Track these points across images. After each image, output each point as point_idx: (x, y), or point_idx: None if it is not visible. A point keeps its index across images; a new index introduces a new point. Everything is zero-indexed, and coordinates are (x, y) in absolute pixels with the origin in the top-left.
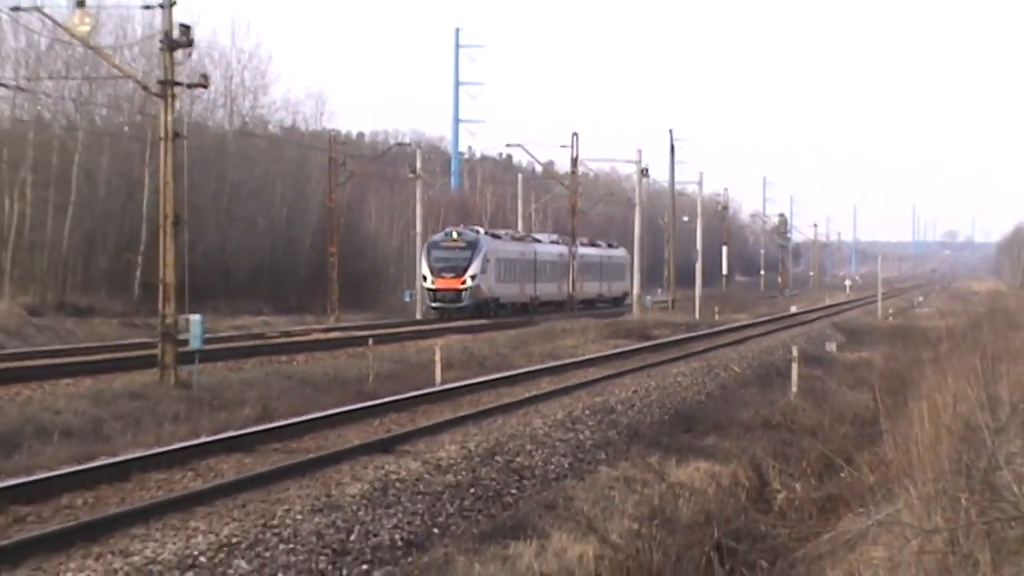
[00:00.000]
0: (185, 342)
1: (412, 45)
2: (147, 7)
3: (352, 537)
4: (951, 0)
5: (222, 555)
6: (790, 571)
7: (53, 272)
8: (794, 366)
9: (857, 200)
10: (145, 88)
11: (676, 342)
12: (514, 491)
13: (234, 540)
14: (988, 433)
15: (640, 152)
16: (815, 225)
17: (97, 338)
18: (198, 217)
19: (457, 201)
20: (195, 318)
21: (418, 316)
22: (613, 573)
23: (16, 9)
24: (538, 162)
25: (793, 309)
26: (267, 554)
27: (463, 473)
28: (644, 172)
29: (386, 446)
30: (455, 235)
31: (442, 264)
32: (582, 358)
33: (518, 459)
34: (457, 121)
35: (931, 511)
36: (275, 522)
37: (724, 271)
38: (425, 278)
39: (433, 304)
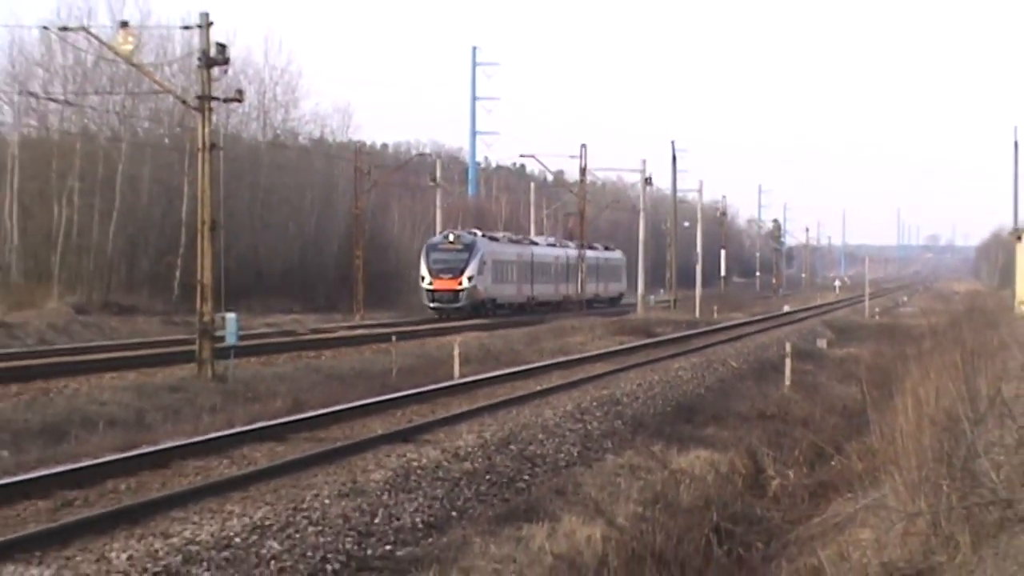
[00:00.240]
0: (221, 339)
1: (432, 62)
2: (186, 27)
3: (376, 520)
4: (931, 22)
5: (255, 536)
6: (784, 552)
7: (99, 273)
8: (787, 361)
9: (846, 206)
10: (184, 103)
11: (677, 339)
12: (527, 477)
13: (267, 522)
14: (968, 424)
15: (644, 162)
16: (807, 230)
17: (139, 335)
18: (233, 222)
19: (474, 208)
20: (230, 316)
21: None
22: (619, 553)
23: (65, 29)
24: (549, 171)
25: (786, 308)
26: (297, 535)
27: (479, 461)
28: (648, 181)
29: (408, 435)
30: (453, 238)
31: (440, 265)
32: (590, 354)
33: (530, 448)
34: (474, 133)
35: (915, 496)
36: (305, 506)
37: (722, 273)
38: (424, 279)
39: (431, 304)
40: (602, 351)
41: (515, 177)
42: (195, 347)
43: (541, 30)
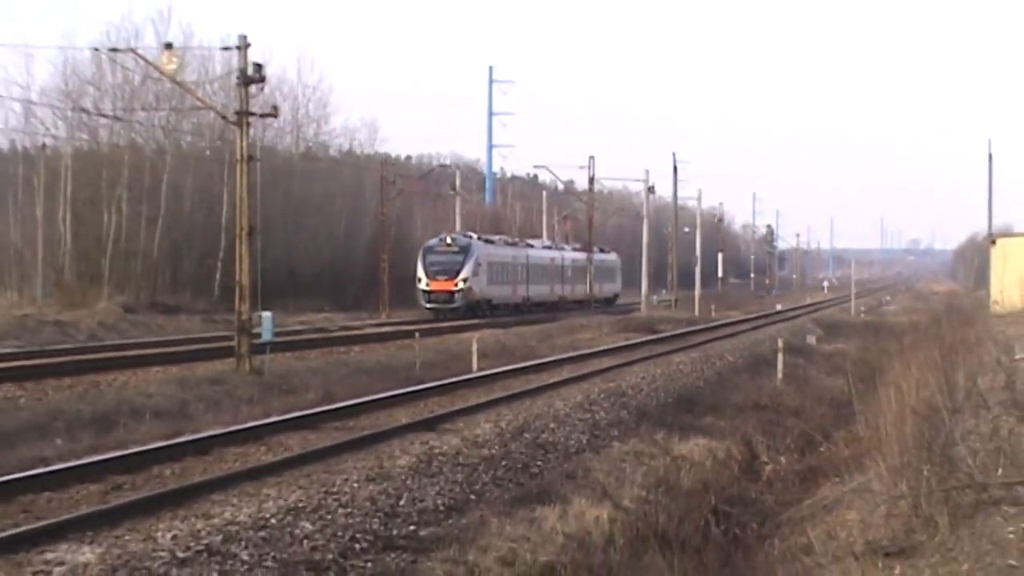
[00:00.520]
0: (258, 335)
1: (453, 80)
2: (226, 48)
3: (401, 502)
4: (910, 46)
5: (290, 518)
6: (776, 532)
7: (145, 275)
8: (779, 356)
9: (833, 213)
10: (224, 118)
11: (678, 335)
12: (540, 463)
13: (300, 505)
14: (946, 414)
15: (647, 172)
16: (798, 234)
17: (183, 332)
18: (269, 228)
19: (491, 215)
20: (266, 314)
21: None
22: (625, 533)
23: (114, 50)
24: (560, 181)
25: (778, 307)
26: (328, 517)
27: (496, 448)
28: (651, 189)
29: (430, 424)
30: (449, 240)
31: (437, 267)
32: (597, 349)
33: (543, 436)
34: (491, 146)
35: (897, 480)
36: (335, 489)
37: (719, 274)
38: (420, 280)
39: (428, 305)
40: (609, 347)
41: (529, 186)
42: (234, 343)
43: (553, 50)
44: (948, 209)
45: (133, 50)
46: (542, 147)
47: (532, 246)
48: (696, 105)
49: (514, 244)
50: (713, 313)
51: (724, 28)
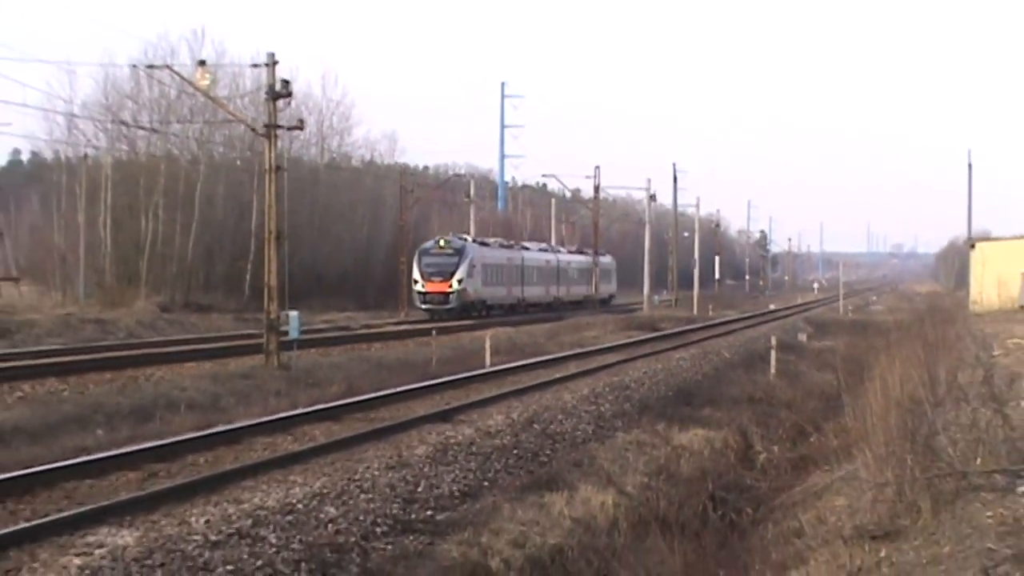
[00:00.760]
0: (285, 333)
1: (468, 95)
2: (255, 66)
3: (419, 489)
4: (893, 63)
5: (315, 503)
6: (770, 516)
7: (180, 277)
8: (773, 352)
9: (823, 218)
10: (254, 130)
11: (678, 333)
12: (548, 452)
13: (324, 491)
14: (928, 406)
15: (649, 181)
16: (789, 239)
17: (215, 330)
18: (295, 233)
19: (502, 221)
20: (293, 314)
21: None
22: (628, 517)
23: (151, 67)
24: (567, 189)
25: (772, 307)
26: (351, 502)
27: (508, 438)
28: (652, 197)
29: (446, 416)
30: (443, 243)
31: (432, 269)
32: (602, 346)
33: (551, 426)
34: (503, 156)
35: (883, 468)
36: (357, 476)
37: (717, 276)
38: (416, 281)
39: (422, 306)
40: (613, 344)
41: (538, 194)
42: (263, 340)
43: (561, 67)
44: (930, 215)
45: (169, 67)
46: (550, 157)
47: (528, 248)
48: (695, 118)
49: (509, 247)
50: (711, 312)
51: (722, 47)
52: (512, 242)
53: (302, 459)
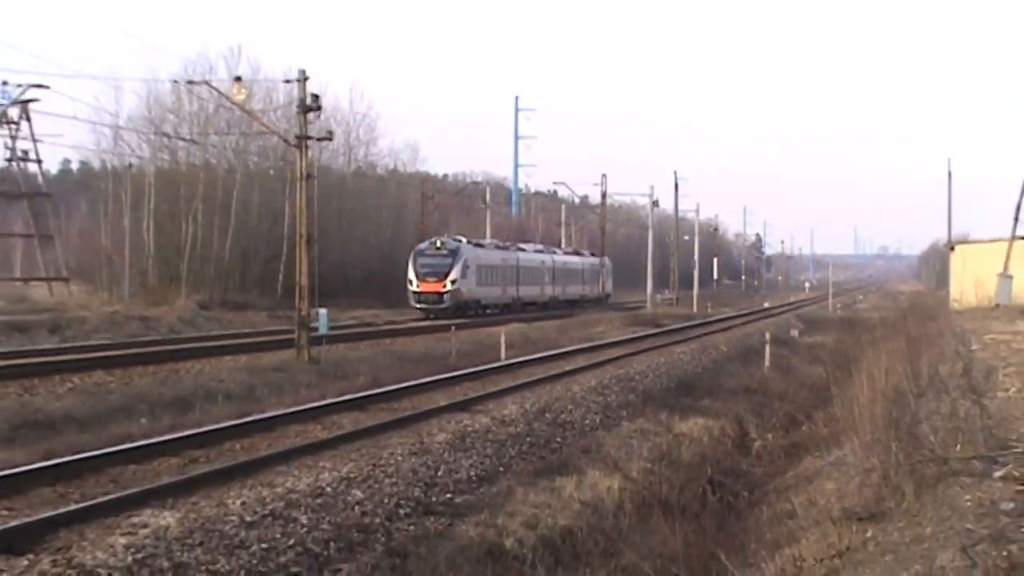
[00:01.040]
0: (315, 329)
1: (484, 108)
2: (287, 81)
3: (439, 473)
4: (877, 75)
5: (343, 486)
6: (764, 499)
7: (218, 277)
8: (767, 347)
9: (814, 222)
10: (286, 141)
11: (679, 329)
12: (559, 439)
13: (352, 475)
14: (911, 397)
15: (652, 188)
16: (782, 241)
17: (250, 326)
18: (324, 237)
19: (516, 225)
20: (322, 311)
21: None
22: (633, 500)
23: (191, 82)
24: (576, 196)
25: (766, 305)
26: (376, 485)
27: (521, 426)
28: (655, 203)
29: (464, 406)
30: (438, 244)
31: (426, 269)
32: (609, 341)
33: (562, 416)
34: (517, 165)
35: (869, 455)
36: (382, 462)
37: (715, 276)
38: (411, 282)
39: (417, 305)
40: (619, 339)
41: (550, 200)
42: (294, 336)
43: (569, 82)
44: (913, 219)
45: (208, 82)
46: (561, 166)
47: (523, 250)
48: (696, 129)
49: (505, 248)
50: (709, 310)
51: (722, 65)
52: (508, 243)
53: (331, 446)
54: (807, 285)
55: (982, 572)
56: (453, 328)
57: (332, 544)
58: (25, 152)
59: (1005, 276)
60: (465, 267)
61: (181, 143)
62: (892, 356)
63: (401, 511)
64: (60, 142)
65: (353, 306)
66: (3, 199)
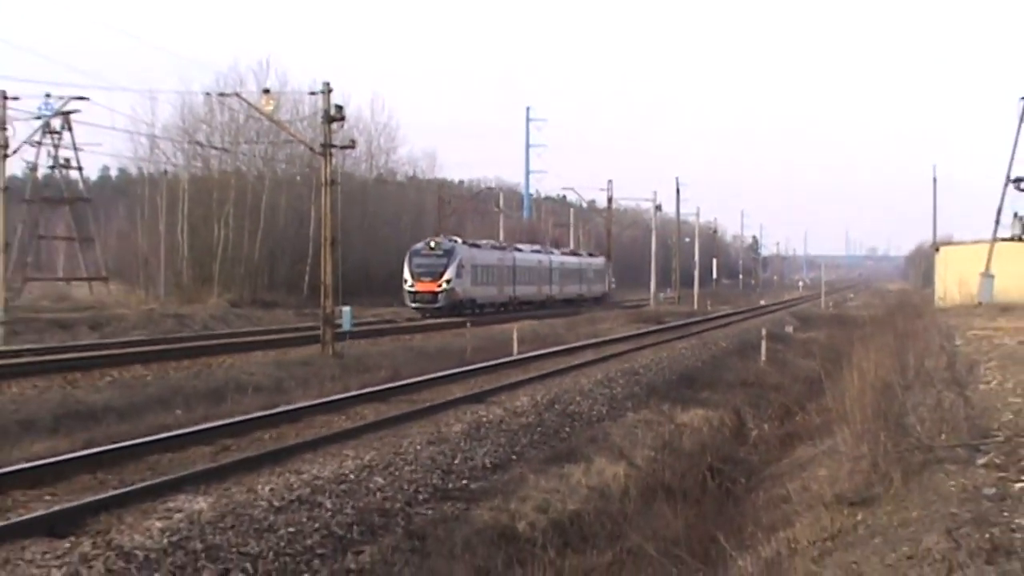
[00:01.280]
0: (339, 326)
1: (498, 118)
2: (313, 93)
3: (456, 461)
4: (859, 87)
5: (365, 473)
6: (761, 485)
7: (248, 277)
8: (763, 342)
9: (807, 224)
10: (312, 149)
11: (681, 325)
12: (568, 429)
13: (374, 463)
14: (899, 389)
15: (655, 193)
16: (777, 243)
17: (278, 323)
18: (347, 239)
19: (528, 228)
20: (346, 309)
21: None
22: (637, 486)
23: (222, 95)
24: (584, 200)
25: (762, 303)
26: (397, 472)
27: (532, 417)
28: (658, 208)
29: (479, 398)
30: (433, 244)
31: (422, 269)
32: (614, 337)
33: (571, 407)
34: (528, 171)
35: (859, 443)
36: (402, 450)
37: (714, 276)
38: (407, 282)
39: (412, 304)
40: (624, 335)
41: (559, 205)
42: (320, 332)
43: (579, 94)
44: (900, 222)
45: (238, 94)
46: (569, 172)
47: (520, 250)
48: (697, 137)
49: (502, 248)
50: (709, 308)
51: (721, 78)
52: (505, 244)
53: (354, 435)
54: (801, 284)
55: (966, 553)
56: (468, 324)
57: (355, 528)
58: (67, 160)
59: (987, 275)
60: (460, 267)
61: (213, 151)
62: (881, 351)
63: (420, 496)
64: (100, 151)
65: (375, 304)
66: (47, 204)
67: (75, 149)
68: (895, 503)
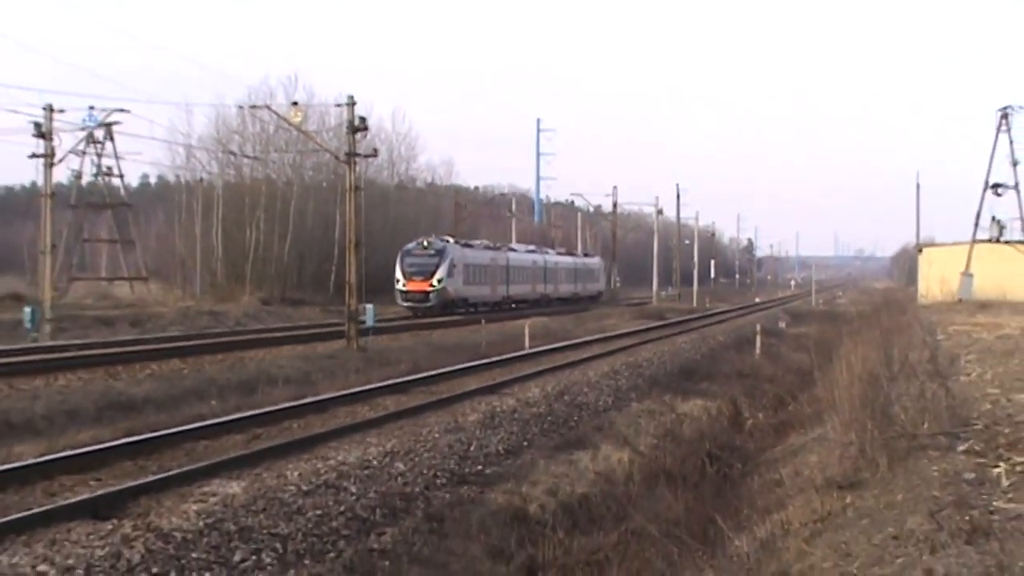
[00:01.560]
0: (362, 322)
1: (510, 129)
2: (338, 105)
3: (471, 448)
4: (845, 98)
5: (387, 460)
6: (756, 470)
7: (278, 276)
8: (758, 337)
9: (799, 227)
10: (337, 158)
11: (681, 322)
12: (576, 418)
13: (395, 450)
14: (884, 380)
15: (657, 199)
16: (771, 245)
17: (306, 320)
18: (370, 242)
19: (538, 231)
20: (369, 306)
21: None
22: (641, 471)
23: (254, 107)
24: (591, 205)
25: (757, 300)
26: (417, 459)
27: (543, 407)
28: (660, 212)
29: (493, 389)
30: (425, 244)
31: (414, 269)
32: (619, 332)
33: (579, 398)
34: (538, 178)
35: (848, 431)
36: (422, 438)
37: (712, 275)
38: (399, 281)
39: (404, 303)
40: (628, 330)
41: (567, 209)
42: (344, 328)
43: (586, 105)
44: (886, 225)
45: (268, 107)
46: (577, 179)
47: (515, 250)
48: (696, 145)
49: (496, 248)
50: (707, 305)
51: (720, 87)
52: (499, 244)
53: (377, 424)
54: (793, 283)
55: (947, 534)
56: (483, 321)
57: (378, 510)
58: (109, 168)
59: (966, 275)
60: (451, 266)
61: (245, 160)
62: (867, 345)
63: (438, 481)
64: (140, 159)
65: (396, 302)
66: (91, 209)
67: (117, 158)
68: (881, 487)
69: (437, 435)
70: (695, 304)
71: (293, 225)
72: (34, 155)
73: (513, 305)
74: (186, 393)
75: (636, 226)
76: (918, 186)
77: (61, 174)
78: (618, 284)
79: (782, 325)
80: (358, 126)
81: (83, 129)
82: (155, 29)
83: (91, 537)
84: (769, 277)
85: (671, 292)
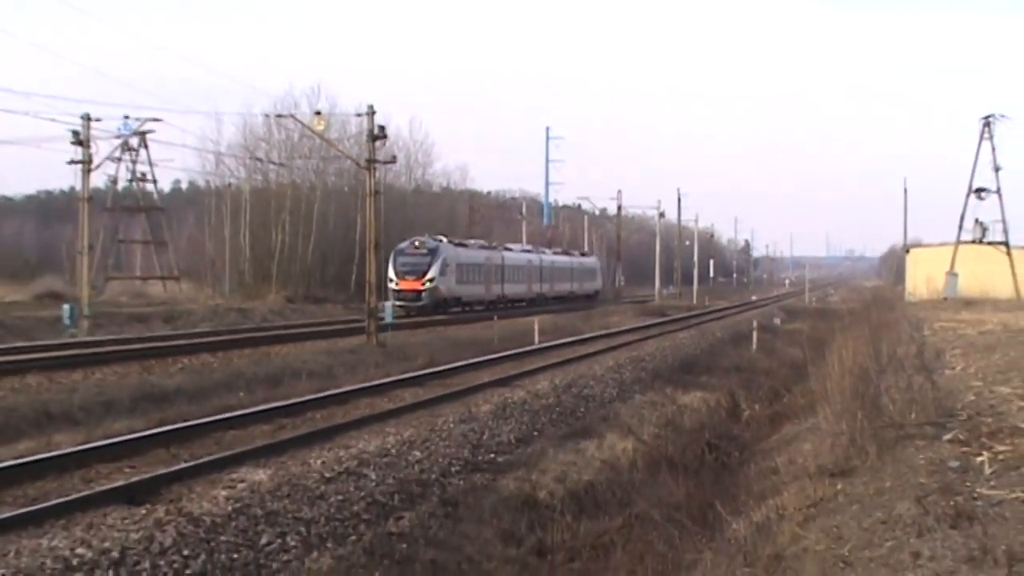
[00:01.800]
0: (381, 318)
1: (521, 136)
2: (358, 114)
3: (484, 437)
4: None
5: (405, 448)
6: (752, 458)
7: (302, 276)
8: (754, 333)
9: (793, 228)
10: (357, 164)
11: (681, 318)
12: (583, 409)
13: (412, 439)
14: (874, 374)
15: (659, 202)
16: (767, 245)
17: (328, 317)
18: (389, 243)
19: (548, 233)
20: (388, 304)
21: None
22: (644, 459)
23: (279, 116)
24: (597, 208)
25: (753, 298)
26: (432, 447)
27: (551, 398)
28: (662, 214)
29: (505, 382)
30: (418, 243)
31: (406, 268)
32: (623, 328)
33: (585, 390)
34: (547, 183)
35: (839, 421)
36: (438, 428)
37: (711, 274)
38: (391, 280)
39: (397, 302)
40: (632, 326)
41: (575, 212)
42: (365, 324)
43: (591, 114)
44: (875, 226)
45: (293, 116)
46: (584, 183)
47: (510, 249)
48: (696, 150)
49: (491, 248)
50: (706, 302)
51: (719, 95)
52: (495, 244)
53: (395, 415)
54: (787, 282)
55: (933, 519)
56: (495, 318)
57: (396, 496)
58: (143, 174)
59: (951, 274)
60: (444, 265)
61: (271, 166)
62: (858, 340)
63: (453, 468)
64: (172, 166)
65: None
66: (125, 212)
67: (150, 164)
68: (871, 474)
69: (452, 425)
70: (695, 302)
71: (316, 227)
72: (72, 161)
73: (509, 304)
74: (216, 385)
75: (639, 228)
76: (905, 190)
77: (98, 179)
78: (622, 283)
79: (777, 321)
80: (377, 134)
81: (119, 137)
82: (187, 43)
83: (126, 521)
84: (765, 276)
85: (672, 291)
